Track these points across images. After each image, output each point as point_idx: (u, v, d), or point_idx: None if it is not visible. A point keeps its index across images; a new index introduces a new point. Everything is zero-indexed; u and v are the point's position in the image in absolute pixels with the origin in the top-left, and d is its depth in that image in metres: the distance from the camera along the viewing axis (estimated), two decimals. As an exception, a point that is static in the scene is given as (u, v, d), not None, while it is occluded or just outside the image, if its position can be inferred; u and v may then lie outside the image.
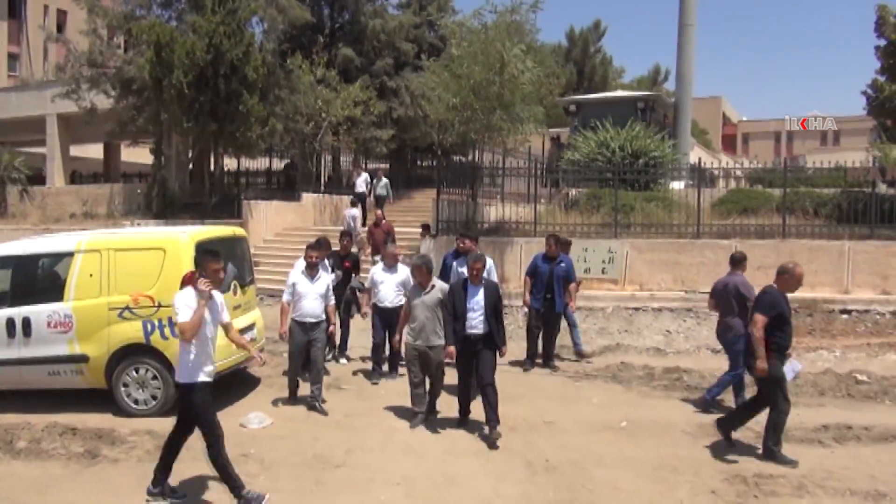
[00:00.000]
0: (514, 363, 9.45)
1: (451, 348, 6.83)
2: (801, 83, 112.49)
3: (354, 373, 9.23)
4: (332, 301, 8.01)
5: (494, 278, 8.28)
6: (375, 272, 8.81)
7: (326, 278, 7.96)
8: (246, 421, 7.18)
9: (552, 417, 7.38)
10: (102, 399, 7.55)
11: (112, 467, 6.16)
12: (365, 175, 19.24)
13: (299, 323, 7.70)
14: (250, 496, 5.20)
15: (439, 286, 7.15)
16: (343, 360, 9.74)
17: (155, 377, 7.42)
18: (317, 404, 7.57)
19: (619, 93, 28.68)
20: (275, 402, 7.86)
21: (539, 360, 9.63)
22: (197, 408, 5.19)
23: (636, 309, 12.16)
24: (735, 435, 6.80)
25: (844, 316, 11.93)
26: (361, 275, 10.11)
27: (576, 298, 9.99)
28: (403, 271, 8.63)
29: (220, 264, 5.43)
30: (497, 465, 6.15)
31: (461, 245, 8.79)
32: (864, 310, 11.97)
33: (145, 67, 16.14)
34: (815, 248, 12.68)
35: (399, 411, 7.52)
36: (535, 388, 8.60)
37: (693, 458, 6.27)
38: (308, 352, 7.74)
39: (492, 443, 6.52)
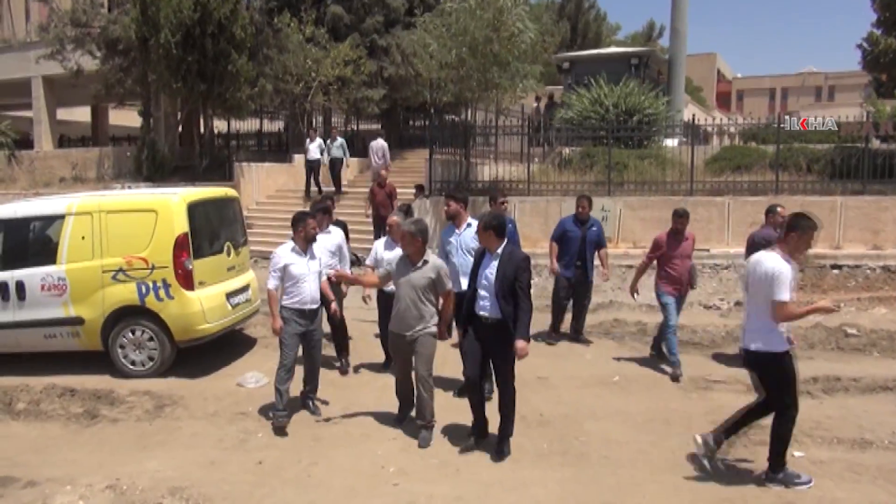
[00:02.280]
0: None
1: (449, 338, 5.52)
2: (797, 39, 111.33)
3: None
4: (325, 276, 6.67)
5: (517, 240, 7.29)
6: (378, 247, 7.23)
7: (319, 252, 6.66)
8: (243, 380, 7.27)
9: (545, 373, 7.47)
10: (100, 361, 7.60)
11: (111, 427, 6.24)
12: (319, 140, 17.78)
13: (299, 311, 6.21)
14: (792, 475, 4.91)
15: (433, 263, 5.69)
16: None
17: (151, 339, 7.47)
18: (310, 403, 6.46)
19: (613, 49, 28.29)
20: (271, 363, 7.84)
21: (567, 333, 8.88)
22: (787, 375, 4.91)
23: (629, 266, 12.18)
24: (724, 387, 6.95)
25: (835, 271, 12.03)
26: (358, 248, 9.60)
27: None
28: None
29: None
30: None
31: (446, 208, 7.18)
32: (854, 265, 12.06)
33: (131, 27, 15.81)
34: (808, 204, 12.66)
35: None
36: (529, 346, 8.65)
37: (684, 410, 6.37)
38: (303, 346, 6.40)
39: (498, 453, 5.43)
